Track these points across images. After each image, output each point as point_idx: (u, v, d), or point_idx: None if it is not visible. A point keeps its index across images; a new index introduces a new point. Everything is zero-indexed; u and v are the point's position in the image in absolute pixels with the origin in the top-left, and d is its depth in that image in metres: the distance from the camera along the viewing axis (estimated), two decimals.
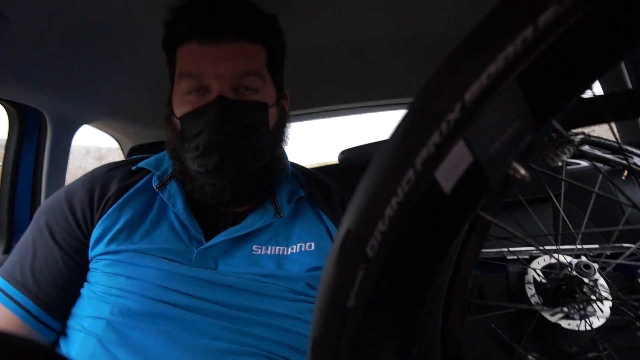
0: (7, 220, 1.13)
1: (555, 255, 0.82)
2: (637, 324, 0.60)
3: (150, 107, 1.32)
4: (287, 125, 0.84)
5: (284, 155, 0.85)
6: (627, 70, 1.08)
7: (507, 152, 0.24)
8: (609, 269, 0.81)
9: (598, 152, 0.91)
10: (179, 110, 0.74)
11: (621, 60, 0.25)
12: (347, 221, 0.26)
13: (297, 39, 0.83)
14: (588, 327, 0.76)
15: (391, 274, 0.27)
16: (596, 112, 0.41)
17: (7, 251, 1.12)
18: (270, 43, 0.77)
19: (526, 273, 0.87)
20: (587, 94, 0.33)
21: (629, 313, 0.70)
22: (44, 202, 1.15)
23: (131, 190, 0.77)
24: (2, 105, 1.09)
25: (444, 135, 0.23)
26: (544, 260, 0.87)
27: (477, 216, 0.36)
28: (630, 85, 1.07)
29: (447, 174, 0.24)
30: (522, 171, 0.27)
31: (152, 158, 0.84)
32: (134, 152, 1.61)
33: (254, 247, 0.75)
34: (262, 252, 0.75)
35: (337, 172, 1.21)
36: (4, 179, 1.13)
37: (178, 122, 0.74)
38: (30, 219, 1.14)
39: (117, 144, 1.61)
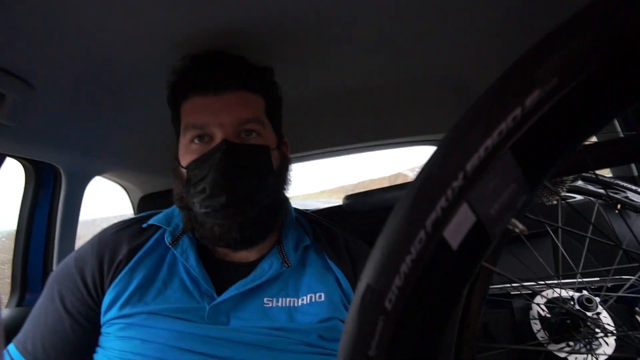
0: (20, 273, 1.14)
1: (557, 289, 0.84)
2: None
3: (158, 157, 1.36)
4: (289, 169, 0.87)
5: (287, 200, 0.88)
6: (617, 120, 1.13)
7: (506, 211, 0.28)
8: (611, 301, 0.83)
9: (592, 188, 0.94)
10: (185, 159, 0.77)
11: (606, 124, 0.28)
12: (366, 277, 0.29)
13: (294, 87, 0.87)
14: None
15: (408, 323, 0.29)
16: (581, 161, 0.44)
17: (20, 304, 1.13)
18: (267, 93, 0.82)
19: (530, 308, 0.88)
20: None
21: (635, 346, 0.72)
22: (56, 254, 1.17)
23: (141, 251, 0.78)
24: (20, 163, 1.13)
25: (449, 200, 0.26)
26: (547, 294, 0.89)
27: (481, 266, 0.39)
28: (620, 132, 1.12)
29: (454, 233, 0.27)
30: (521, 226, 0.30)
31: (162, 214, 0.86)
32: (143, 201, 1.64)
33: (265, 299, 0.76)
34: (273, 305, 0.76)
35: (341, 215, 1.24)
36: (18, 233, 1.15)
37: (184, 170, 0.77)
38: (43, 271, 1.16)
39: (126, 193, 1.64)
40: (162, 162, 1.37)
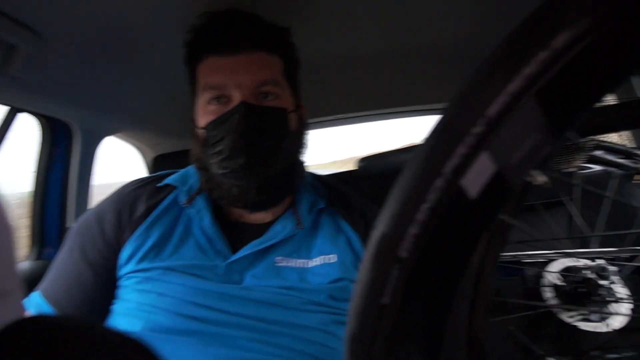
0: (38, 228, 1.18)
1: (573, 258, 0.83)
2: None
3: (172, 118, 1.36)
4: (306, 132, 0.87)
5: (303, 163, 0.88)
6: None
7: (527, 162, 0.27)
8: (627, 272, 0.82)
9: (611, 157, 0.92)
10: (203, 120, 0.77)
11: (633, 74, 0.27)
12: (381, 225, 0.29)
13: (312, 49, 0.86)
14: (607, 329, 0.77)
15: (422, 273, 0.29)
16: (608, 121, 0.43)
17: (39, 257, 1.17)
18: (285, 54, 0.81)
19: (542, 276, 0.88)
20: (599, 104, 0.36)
21: None
22: (73, 210, 1.20)
23: (158, 209, 0.80)
24: (35, 118, 1.14)
25: (468, 147, 0.26)
26: (561, 263, 0.88)
27: (498, 220, 0.38)
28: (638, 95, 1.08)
29: (473, 182, 0.27)
30: (542, 178, 0.29)
31: (178, 174, 0.87)
32: (156, 162, 1.65)
33: (277, 258, 0.78)
34: (286, 264, 0.77)
35: (355, 179, 1.23)
36: (35, 189, 1.18)
37: (202, 131, 0.77)
38: (60, 226, 1.19)
39: (139, 153, 1.66)
40: (176, 123, 1.38)
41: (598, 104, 0.31)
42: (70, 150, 1.19)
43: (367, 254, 0.30)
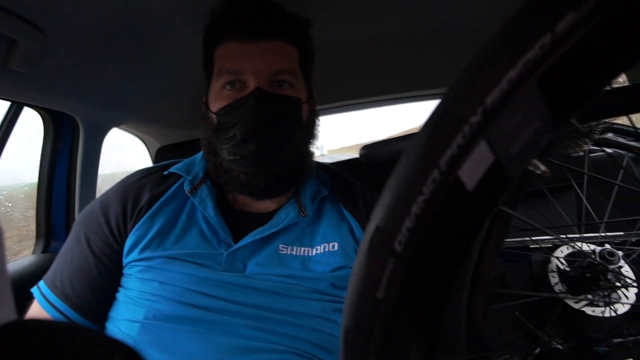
0: (44, 221, 1.18)
1: (579, 243, 0.82)
2: None
3: (177, 108, 1.35)
4: (317, 123, 0.86)
5: (312, 154, 0.87)
6: None
7: (528, 151, 0.26)
8: (634, 255, 0.81)
9: (621, 140, 0.90)
10: (216, 105, 0.77)
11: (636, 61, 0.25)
12: (376, 218, 0.28)
13: (319, 36, 0.85)
14: (613, 314, 0.76)
15: (419, 267, 0.28)
16: (615, 104, 0.41)
17: (46, 250, 1.18)
18: (302, 45, 0.81)
19: (549, 262, 0.87)
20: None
21: None
22: (78, 203, 1.20)
23: (162, 198, 0.80)
24: (38, 113, 1.14)
25: (466, 137, 0.25)
26: (568, 248, 0.87)
27: (498, 210, 0.37)
28: None
29: (470, 173, 0.26)
30: (542, 167, 0.28)
31: (182, 163, 0.87)
32: (161, 153, 1.65)
33: (280, 246, 0.78)
34: (288, 252, 0.77)
35: (358, 167, 1.22)
36: (40, 183, 1.18)
37: (214, 116, 0.77)
38: (66, 218, 1.20)
39: (144, 144, 1.66)
40: (181, 114, 1.37)
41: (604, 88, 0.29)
42: (75, 143, 1.19)
43: (362, 248, 0.29)
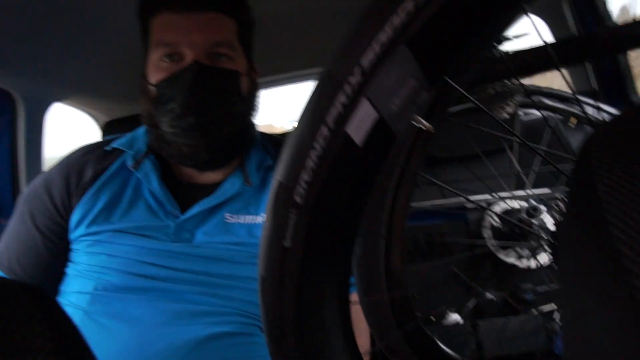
0: None
1: (508, 201, 0.89)
2: None
3: (122, 81, 1.31)
4: (258, 95, 0.87)
5: (254, 125, 0.88)
6: (574, 19, 1.12)
7: (407, 107, 0.29)
8: (556, 209, 0.88)
9: (548, 102, 0.96)
10: (154, 77, 0.76)
11: (499, 24, 0.29)
12: (277, 174, 0.31)
13: (261, 6, 0.84)
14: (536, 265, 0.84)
15: (320, 216, 0.31)
16: (545, 58, 0.45)
17: None
18: (240, 16, 0.80)
19: (483, 219, 0.93)
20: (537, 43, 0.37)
21: None
22: (25, 180, 1.18)
23: (106, 174, 0.80)
24: None
25: (348, 95, 0.27)
26: (500, 207, 0.94)
27: (404, 169, 0.41)
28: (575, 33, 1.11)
29: (357, 129, 0.29)
30: (426, 124, 0.31)
31: (125, 138, 0.86)
32: (108, 127, 1.61)
33: (227, 215, 0.79)
34: (235, 221, 0.79)
35: None
36: None
37: (153, 88, 0.76)
38: (12, 198, 1.17)
39: (92, 119, 1.61)
40: (126, 87, 1.33)
41: (479, 54, 0.33)
42: (15, 120, 1.15)
43: (268, 202, 0.32)
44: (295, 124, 0.30)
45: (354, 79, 0.27)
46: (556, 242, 0.43)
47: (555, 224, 0.43)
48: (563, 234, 0.27)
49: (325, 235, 0.33)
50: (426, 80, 0.28)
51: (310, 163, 0.29)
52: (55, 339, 0.23)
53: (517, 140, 0.79)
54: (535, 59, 0.44)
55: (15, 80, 1.07)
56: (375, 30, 0.26)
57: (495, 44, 0.33)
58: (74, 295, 0.72)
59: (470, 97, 0.32)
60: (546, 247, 0.82)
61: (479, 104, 0.34)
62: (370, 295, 0.45)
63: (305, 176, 0.30)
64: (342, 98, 0.27)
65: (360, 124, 0.29)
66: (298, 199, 0.30)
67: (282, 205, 0.31)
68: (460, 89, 0.31)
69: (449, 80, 0.30)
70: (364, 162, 0.30)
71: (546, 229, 0.82)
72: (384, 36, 0.26)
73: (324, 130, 0.28)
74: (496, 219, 0.91)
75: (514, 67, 0.43)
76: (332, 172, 0.30)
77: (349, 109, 0.28)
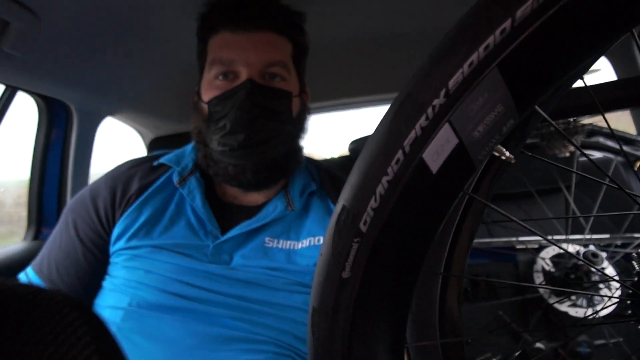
0: (36, 208, 1.19)
1: (564, 245, 0.83)
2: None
3: (172, 100, 1.36)
4: (308, 118, 0.87)
5: (302, 148, 0.88)
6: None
7: (491, 135, 0.26)
8: (618, 257, 0.81)
9: (610, 144, 0.91)
10: (208, 95, 0.77)
11: (599, 51, 0.26)
12: (342, 198, 0.29)
13: (317, 32, 0.85)
14: (595, 315, 0.77)
15: (384, 248, 0.29)
16: (587, 102, 0.42)
17: (37, 237, 1.19)
18: (296, 38, 0.82)
19: (535, 262, 0.88)
20: (578, 85, 0.35)
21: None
22: (70, 191, 1.21)
23: (151, 189, 0.80)
24: (34, 99, 1.14)
25: (430, 119, 0.25)
26: (553, 249, 0.88)
27: (472, 200, 0.38)
28: None
29: (434, 155, 0.26)
30: (507, 153, 0.29)
31: (172, 154, 0.87)
32: (154, 144, 1.65)
33: (267, 239, 0.78)
34: (274, 245, 0.78)
35: (349, 163, 1.22)
36: (33, 169, 1.18)
37: (206, 105, 0.77)
38: (58, 206, 1.20)
39: (139, 135, 1.66)
40: (176, 105, 1.37)
41: (573, 84, 0.30)
42: (69, 131, 1.19)
43: (329, 228, 0.30)
44: (367, 146, 0.28)
45: (438, 102, 0.25)
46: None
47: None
48: None
49: (387, 269, 0.30)
50: (515, 106, 0.26)
51: (380, 189, 0.27)
52: (99, 352, 0.21)
53: (596, 180, 0.75)
54: (618, 95, 0.41)
55: (72, 92, 1.11)
56: (467, 50, 0.24)
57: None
58: (108, 310, 0.72)
59: (557, 127, 0.29)
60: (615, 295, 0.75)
61: (565, 134, 0.31)
62: (423, 340, 0.42)
63: (373, 203, 0.27)
64: (422, 121, 0.25)
65: (438, 150, 0.26)
66: (363, 227, 0.28)
67: (346, 233, 0.28)
68: (549, 119, 0.28)
69: (540, 110, 0.27)
70: (437, 191, 0.28)
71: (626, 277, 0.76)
72: (475, 57, 0.24)
73: (399, 155, 0.26)
74: (549, 262, 0.85)
75: (598, 102, 0.39)
76: (401, 199, 0.28)
77: (429, 133, 0.25)
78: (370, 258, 0.29)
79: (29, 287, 0.24)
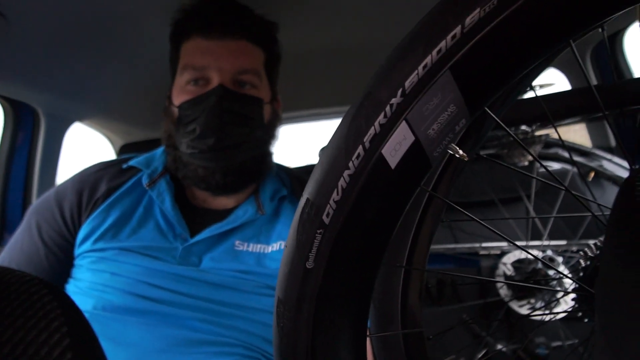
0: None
1: (529, 248, 0.87)
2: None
3: (142, 106, 1.34)
4: (279, 125, 0.88)
5: (271, 154, 0.89)
6: (593, 68, 1.13)
7: (445, 133, 0.28)
8: (573, 262, 0.85)
9: (566, 155, 0.96)
10: (179, 99, 0.78)
11: (543, 59, 0.28)
12: (306, 192, 0.30)
13: (293, 42, 0.87)
14: (553, 318, 0.80)
15: (346, 239, 0.30)
16: (538, 111, 0.45)
17: (1, 243, 1.15)
18: (268, 47, 0.83)
19: (497, 267, 0.91)
20: (528, 94, 0.37)
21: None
22: (36, 196, 1.18)
23: (120, 191, 0.80)
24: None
25: (388, 117, 0.27)
26: (514, 255, 0.92)
27: (431, 198, 0.40)
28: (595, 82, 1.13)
29: (393, 151, 0.28)
30: (461, 152, 0.31)
31: (142, 157, 0.87)
32: (124, 150, 1.63)
33: (237, 242, 0.78)
34: (244, 249, 0.78)
35: None
36: None
37: (176, 109, 0.78)
38: (23, 212, 1.17)
39: (108, 141, 1.63)
40: (146, 111, 1.36)
41: (522, 91, 0.32)
42: (35, 136, 1.17)
43: (294, 220, 0.31)
44: (330, 142, 0.29)
45: (396, 101, 0.27)
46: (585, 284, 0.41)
47: (585, 267, 0.41)
48: (605, 263, 0.26)
49: (349, 261, 0.32)
50: (467, 107, 0.28)
51: (342, 182, 0.28)
52: (72, 335, 0.22)
53: (562, 188, 0.78)
54: (569, 105, 0.44)
55: (40, 96, 1.09)
56: (421, 53, 0.26)
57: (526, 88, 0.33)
58: None
59: (509, 130, 0.31)
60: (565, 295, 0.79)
61: (521, 142, 0.33)
62: (385, 330, 0.43)
63: (335, 196, 0.29)
64: (381, 119, 0.27)
65: (396, 147, 0.28)
66: (326, 219, 0.29)
67: (310, 225, 0.30)
68: (500, 121, 0.31)
69: (490, 112, 0.29)
70: (395, 186, 0.30)
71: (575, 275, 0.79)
72: (428, 60, 0.26)
73: (360, 150, 0.28)
74: (510, 267, 0.89)
75: (548, 111, 0.43)
76: (363, 193, 0.29)
77: (387, 130, 0.27)
78: (333, 249, 0.30)
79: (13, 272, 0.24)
